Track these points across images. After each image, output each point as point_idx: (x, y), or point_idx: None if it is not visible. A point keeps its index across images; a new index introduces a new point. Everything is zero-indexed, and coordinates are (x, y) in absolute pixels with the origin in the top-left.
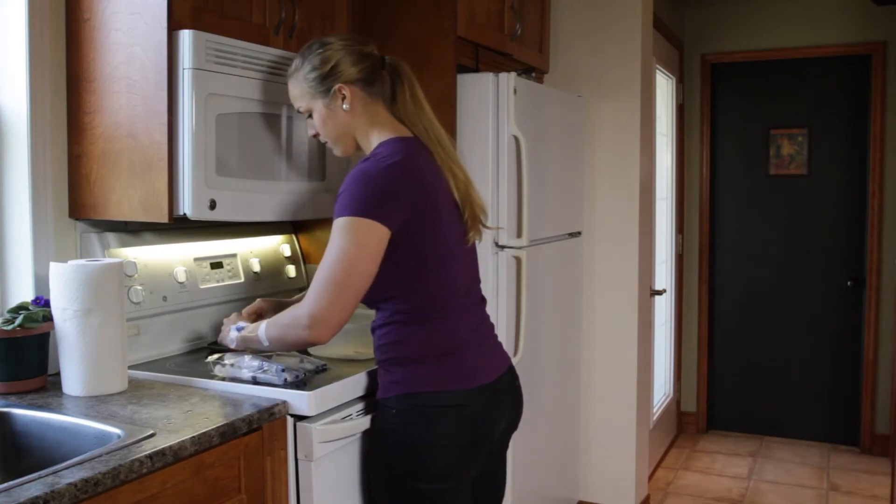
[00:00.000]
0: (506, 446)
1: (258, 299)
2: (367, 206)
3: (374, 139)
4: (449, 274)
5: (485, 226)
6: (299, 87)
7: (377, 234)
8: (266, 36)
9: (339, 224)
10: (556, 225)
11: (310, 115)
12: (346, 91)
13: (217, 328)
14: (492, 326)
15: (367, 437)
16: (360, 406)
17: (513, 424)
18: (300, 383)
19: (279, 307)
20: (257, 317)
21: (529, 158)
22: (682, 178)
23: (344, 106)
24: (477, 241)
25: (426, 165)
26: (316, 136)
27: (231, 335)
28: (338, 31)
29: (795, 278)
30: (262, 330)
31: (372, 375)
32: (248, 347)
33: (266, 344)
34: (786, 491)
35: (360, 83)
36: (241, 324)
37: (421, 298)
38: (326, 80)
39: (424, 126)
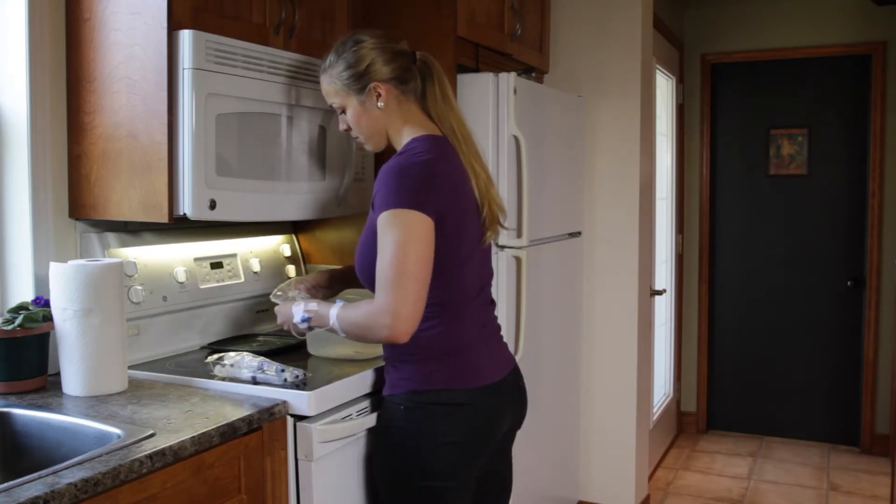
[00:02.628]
0: (510, 445)
1: (311, 275)
2: (408, 197)
3: (405, 135)
4: (464, 275)
5: (502, 226)
6: (333, 85)
7: (424, 223)
8: (266, 36)
9: (385, 218)
10: (556, 225)
11: (342, 111)
12: (382, 89)
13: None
14: (498, 328)
15: (373, 434)
16: (360, 406)
17: (517, 424)
18: (300, 383)
19: (331, 280)
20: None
21: (529, 158)
22: (682, 178)
23: (379, 104)
24: (494, 242)
25: (454, 165)
26: (347, 130)
27: (301, 327)
28: (339, 31)
29: (795, 278)
30: (335, 323)
31: (373, 374)
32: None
33: (343, 336)
34: (786, 491)
35: (395, 81)
36: (305, 314)
37: (434, 297)
38: (362, 79)
39: (452, 123)
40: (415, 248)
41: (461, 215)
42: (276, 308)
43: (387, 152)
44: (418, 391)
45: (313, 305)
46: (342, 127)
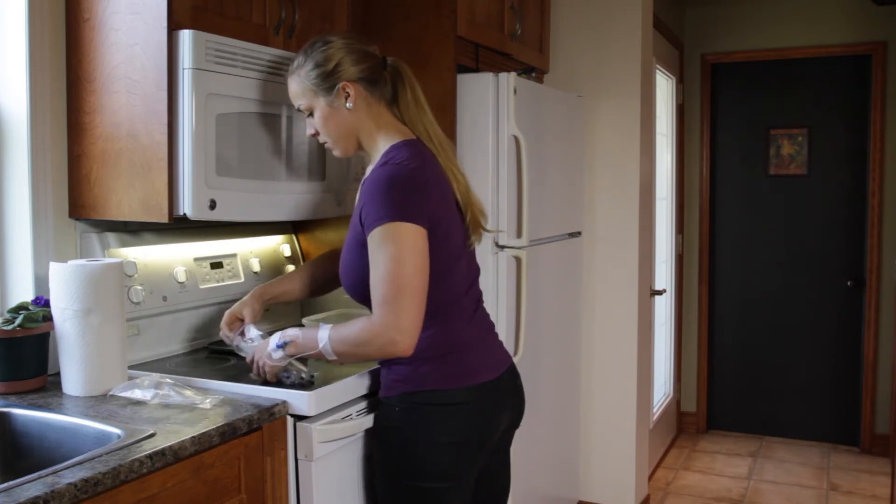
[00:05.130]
0: (508, 445)
1: (244, 302)
2: (400, 209)
3: (380, 141)
4: (454, 275)
5: (485, 229)
6: (301, 85)
7: (418, 234)
8: (266, 36)
9: (380, 233)
10: (556, 225)
11: (310, 114)
12: (351, 89)
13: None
14: (492, 325)
15: (370, 436)
16: (360, 406)
17: (514, 423)
18: (307, 383)
19: (265, 296)
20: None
21: (529, 158)
22: (682, 178)
23: (347, 104)
24: (477, 245)
25: (437, 171)
26: (314, 135)
27: (277, 354)
28: (339, 31)
29: (795, 278)
30: (327, 346)
31: (372, 375)
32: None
33: (332, 358)
34: (786, 491)
35: (364, 82)
36: (281, 339)
37: (427, 299)
38: (330, 78)
39: (426, 128)
40: (412, 260)
41: (449, 219)
42: (244, 346)
43: None
44: (413, 392)
45: (292, 331)
46: (309, 131)
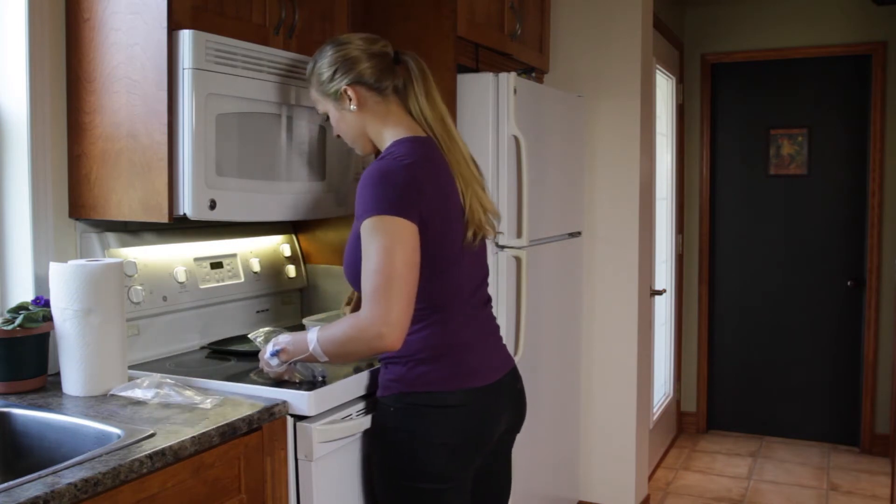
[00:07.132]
0: (509, 448)
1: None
2: (391, 203)
3: (387, 137)
4: (454, 276)
5: (490, 229)
6: (314, 92)
7: (408, 229)
8: (266, 36)
9: (369, 225)
10: (556, 225)
11: (327, 118)
12: (351, 93)
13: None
14: (496, 328)
15: (368, 436)
16: (360, 406)
17: (515, 426)
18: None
19: None
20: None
21: (529, 158)
22: (682, 178)
23: (351, 107)
24: (489, 241)
25: (439, 167)
26: (339, 136)
27: (273, 362)
28: (339, 31)
29: (795, 278)
30: (316, 347)
31: (371, 375)
32: (297, 364)
33: (325, 359)
34: (786, 491)
35: (367, 83)
36: (274, 347)
37: (424, 299)
38: (332, 83)
39: (436, 123)
40: (401, 253)
41: (446, 217)
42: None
43: None
44: (409, 392)
45: (283, 337)
46: (335, 133)
